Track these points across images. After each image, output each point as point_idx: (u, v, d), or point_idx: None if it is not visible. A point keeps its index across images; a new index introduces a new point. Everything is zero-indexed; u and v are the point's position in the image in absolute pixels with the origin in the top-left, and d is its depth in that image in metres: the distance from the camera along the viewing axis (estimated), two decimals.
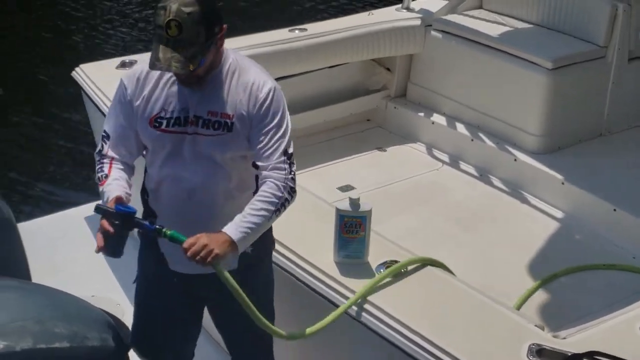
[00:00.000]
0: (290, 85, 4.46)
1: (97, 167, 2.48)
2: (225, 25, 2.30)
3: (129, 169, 2.46)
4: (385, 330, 2.60)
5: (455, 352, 2.44)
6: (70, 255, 4.05)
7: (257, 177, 2.44)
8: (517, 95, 4.38)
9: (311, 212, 3.15)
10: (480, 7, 4.84)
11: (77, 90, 4.14)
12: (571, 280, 3.63)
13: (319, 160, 4.55)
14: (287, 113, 2.46)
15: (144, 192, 2.47)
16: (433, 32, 4.70)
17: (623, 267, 3.69)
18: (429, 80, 4.81)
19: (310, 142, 4.72)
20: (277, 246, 2.89)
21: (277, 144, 2.40)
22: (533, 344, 2.48)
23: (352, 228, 2.80)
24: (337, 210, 2.83)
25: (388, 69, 4.93)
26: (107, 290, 3.75)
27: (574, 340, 2.56)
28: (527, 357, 2.41)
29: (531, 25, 4.61)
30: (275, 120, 2.41)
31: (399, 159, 4.62)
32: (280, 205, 2.39)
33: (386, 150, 4.67)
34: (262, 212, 2.35)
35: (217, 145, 2.38)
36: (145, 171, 2.51)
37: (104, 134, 2.48)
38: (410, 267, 2.82)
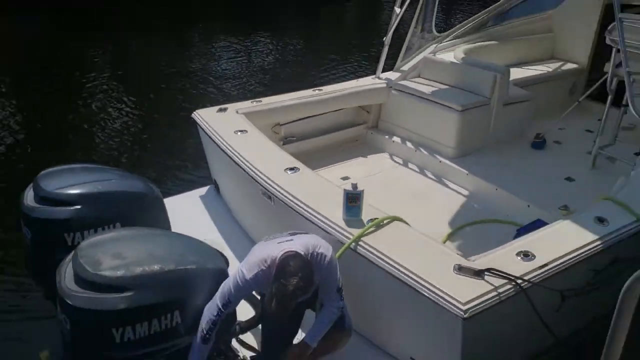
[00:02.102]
0: (310, 122, 5.28)
1: (210, 319, 2.74)
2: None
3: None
4: (372, 257, 3.05)
5: (412, 268, 2.90)
6: (192, 222, 4.38)
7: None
8: (440, 125, 5.16)
9: (329, 193, 3.56)
10: (419, 77, 5.66)
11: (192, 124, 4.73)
12: (473, 228, 4.33)
13: (326, 164, 5.15)
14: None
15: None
16: (393, 91, 5.52)
17: (503, 221, 4.34)
18: (391, 118, 5.58)
19: (320, 155, 5.22)
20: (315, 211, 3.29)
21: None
22: (456, 264, 2.89)
23: (353, 200, 3.24)
24: (345, 190, 3.28)
25: (368, 112, 5.71)
26: (215, 242, 4.09)
27: (480, 262, 2.94)
28: (453, 271, 2.86)
29: (448, 86, 5.43)
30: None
31: (375, 162, 5.34)
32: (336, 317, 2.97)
33: (367, 157, 5.45)
34: (325, 328, 2.98)
35: None
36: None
37: (230, 299, 2.77)
38: (385, 221, 3.22)
